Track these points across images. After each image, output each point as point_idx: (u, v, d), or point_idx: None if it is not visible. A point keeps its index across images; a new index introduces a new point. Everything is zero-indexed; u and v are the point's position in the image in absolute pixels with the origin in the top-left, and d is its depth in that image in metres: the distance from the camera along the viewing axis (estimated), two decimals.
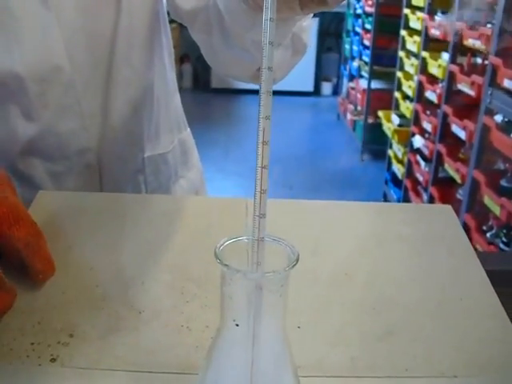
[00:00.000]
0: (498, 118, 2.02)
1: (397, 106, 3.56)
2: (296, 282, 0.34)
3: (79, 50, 0.69)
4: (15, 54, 0.64)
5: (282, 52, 0.64)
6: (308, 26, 0.65)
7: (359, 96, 4.62)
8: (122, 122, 0.75)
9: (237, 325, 0.30)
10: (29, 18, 0.64)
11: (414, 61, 3.17)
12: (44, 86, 0.68)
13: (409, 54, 3.33)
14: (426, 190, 2.86)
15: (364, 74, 4.53)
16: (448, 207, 0.69)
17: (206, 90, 6.30)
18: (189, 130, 0.95)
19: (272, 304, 0.29)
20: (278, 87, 0.67)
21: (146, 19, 0.73)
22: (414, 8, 3.21)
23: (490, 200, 2.02)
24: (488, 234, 2.08)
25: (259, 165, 0.29)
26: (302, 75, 5.94)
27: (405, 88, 3.34)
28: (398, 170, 3.44)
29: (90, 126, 0.73)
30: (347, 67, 5.35)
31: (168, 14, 0.78)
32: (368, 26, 4.35)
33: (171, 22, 0.82)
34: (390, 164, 3.67)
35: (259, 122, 0.29)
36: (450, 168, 2.49)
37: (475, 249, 1.85)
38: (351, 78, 5.15)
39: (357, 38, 4.85)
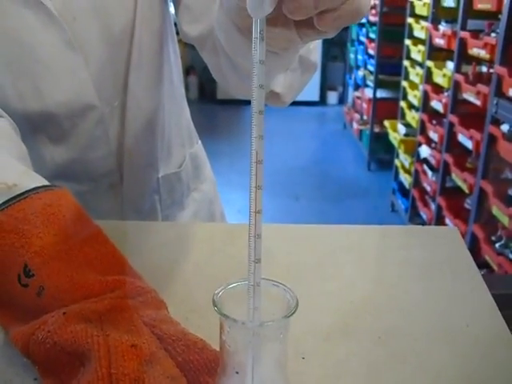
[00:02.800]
0: (505, 127, 2.01)
1: (403, 116, 3.56)
2: (300, 310, 0.34)
3: (106, 85, 0.70)
4: (46, 97, 0.66)
5: (291, 74, 0.63)
6: (315, 47, 0.64)
7: (365, 105, 4.62)
8: (137, 145, 0.76)
9: (237, 372, 0.30)
10: (56, 61, 0.65)
11: (418, 70, 3.16)
12: (76, 121, 0.69)
13: (413, 63, 3.32)
14: (433, 199, 2.85)
15: (369, 83, 4.53)
16: (454, 229, 0.68)
17: (212, 101, 6.32)
18: (200, 142, 0.96)
19: (272, 352, 0.29)
20: None
21: (155, 45, 0.73)
22: (418, 17, 3.21)
23: (498, 210, 2.01)
24: (497, 245, 2.06)
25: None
26: (307, 84, 5.93)
27: (410, 97, 3.34)
28: (406, 179, 3.42)
29: (114, 150, 0.74)
30: (352, 76, 5.35)
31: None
32: (372, 35, 4.35)
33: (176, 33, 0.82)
34: (397, 173, 3.66)
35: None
36: (458, 178, 2.47)
37: (484, 264, 1.82)
38: (356, 87, 5.14)
39: (361, 47, 4.86)
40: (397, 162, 3.63)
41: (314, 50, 0.63)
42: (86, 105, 0.68)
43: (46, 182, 0.51)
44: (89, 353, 0.38)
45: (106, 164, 0.74)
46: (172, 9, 0.74)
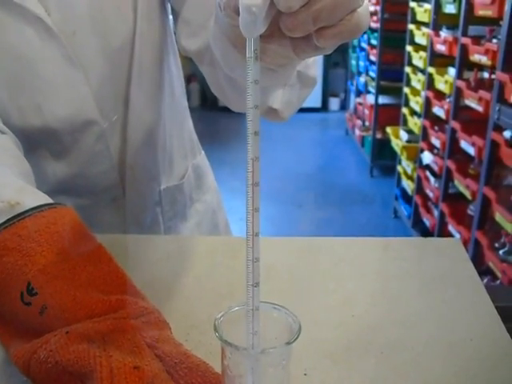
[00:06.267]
0: (507, 133, 2.00)
1: (405, 122, 3.55)
2: (302, 325, 0.34)
3: (107, 99, 0.70)
4: (46, 112, 0.66)
5: (289, 90, 0.63)
6: (314, 62, 0.64)
7: (367, 111, 4.61)
8: (139, 159, 0.76)
9: None
10: (56, 77, 0.65)
11: (420, 76, 3.16)
12: (77, 136, 0.69)
13: (415, 69, 3.32)
14: (436, 206, 2.84)
15: (371, 89, 4.53)
16: (457, 240, 0.68)
17: (213, 109, 6.32)
18: (203, 153, 0.95)
19: (274, 377, 0.28)
20: None
21: (155, 58, 0.73)
22: (419, 23, 3.21)
23: (501, 217, 2.00)
24: (500, 252, 2.05)
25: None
26: (306, 99, 5.93)
27: (412, 104, 3.33)
28: (408, 185, 3.42)
29: (116, 164, 0.74)
30: (354, 83, 5.35)
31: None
32: (374, 42, 4.35)
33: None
34: (399, 180, 3.65)
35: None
36: (460, 184, 2.47)
37: (487, 271, 1.81)
38: (358, 93, 5.14)
39: (363, 53, 4.86)
40: (399, 169, 3.62)
41: (312, 64, 0.62)
42: (86, 120, 0.68)
43: (49, 200, 0.50)
44: (91, 373, 0.38)
45: (108, 178, 0.74)
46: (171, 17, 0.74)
